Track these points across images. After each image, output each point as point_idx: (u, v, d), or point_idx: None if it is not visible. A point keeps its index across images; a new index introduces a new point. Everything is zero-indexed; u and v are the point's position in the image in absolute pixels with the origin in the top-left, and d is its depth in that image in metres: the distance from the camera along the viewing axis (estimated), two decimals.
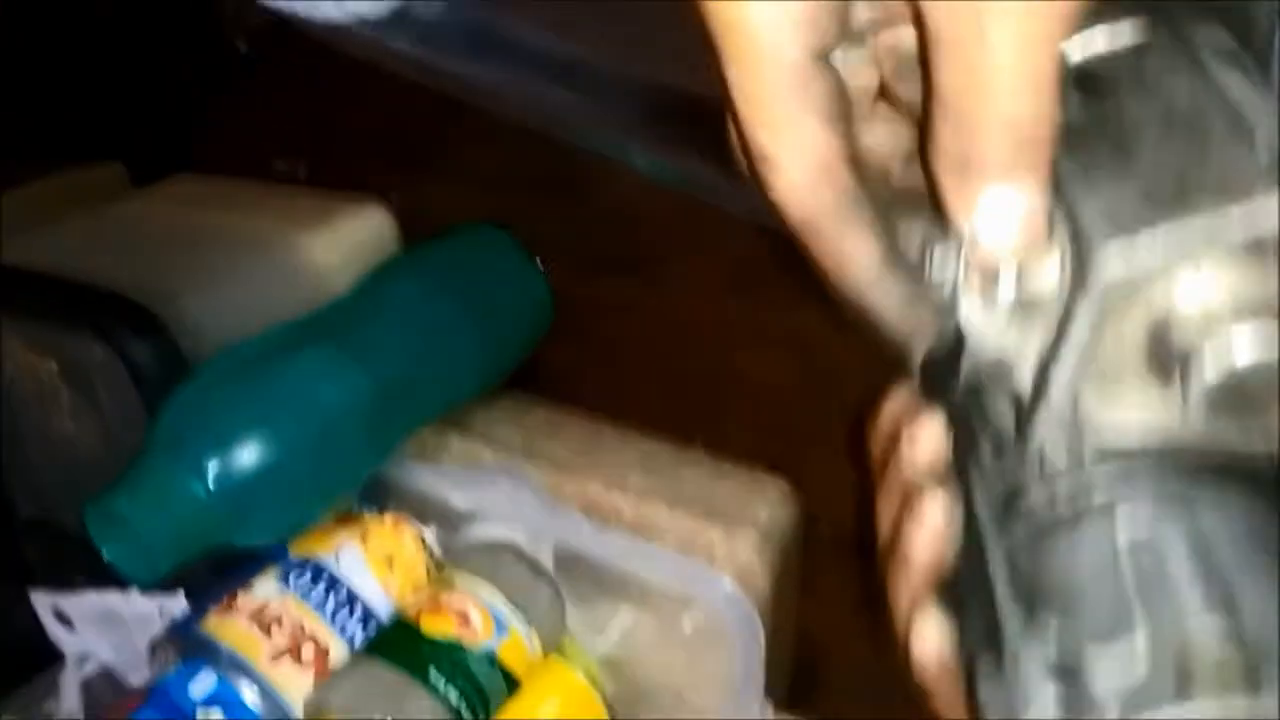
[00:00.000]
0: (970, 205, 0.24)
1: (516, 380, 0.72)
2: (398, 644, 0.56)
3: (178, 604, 0.63)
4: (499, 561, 0.60)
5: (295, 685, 0.56)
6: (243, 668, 0.55)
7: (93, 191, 0.76)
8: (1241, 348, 0.22)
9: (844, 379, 0.63)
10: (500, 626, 0.57)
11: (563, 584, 0.62)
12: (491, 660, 0.56)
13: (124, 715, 0.54)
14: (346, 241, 0.68)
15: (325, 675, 0.57)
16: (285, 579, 0.59)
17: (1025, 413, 0.25)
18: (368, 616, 0.59)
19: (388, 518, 0.62)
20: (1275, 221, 0.22)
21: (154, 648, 0.59)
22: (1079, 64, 0.26)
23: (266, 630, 0.57)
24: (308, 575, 0.59)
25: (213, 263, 0.66)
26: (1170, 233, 0.22)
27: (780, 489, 0.67)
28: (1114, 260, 0.22)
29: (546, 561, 0.62)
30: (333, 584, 0.59)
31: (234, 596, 0.58)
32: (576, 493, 0.64)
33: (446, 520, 0.64)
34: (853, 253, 0.26)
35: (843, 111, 0.25)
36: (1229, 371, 0.22)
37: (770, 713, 0.62)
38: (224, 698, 0.55)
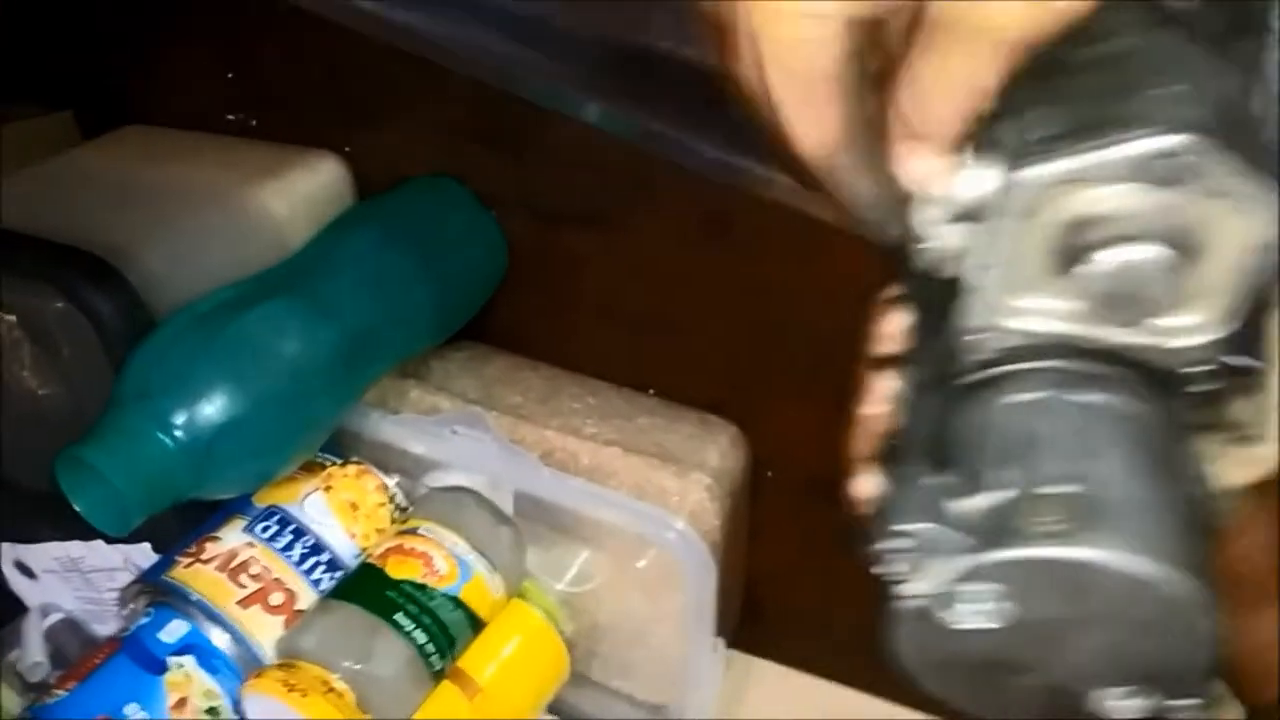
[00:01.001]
0: (904, 161, 0.29)
1: (473, 330, 0.73)
2: (365, 588, 0.58)
3: (144, 554, 0.65)
4: (461, 507, 0.61)
5: (265, 630, 0.58)
6: (213, 615, 0.57)
7: (42, 142, 0.75)
8: (1129, 258, 0.27)
9: (795, 331, 0.65)
10: (464, 570, 0.59)
11: (523, 528, 0.64)
12: (456, 602, 0.58)
13: (96, 664, 0.56)
14: (302, 193, 0.69)
15: (294, 620, 0.58)
16: (252, 527, 0.60)
17: (958, 300, 0.29)
18: (334, 563, 0.61)
19: (351, 466, 0.64)
20: (1172, 153, 0.26)
21: (123, 597, 0.60)
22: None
23: (235, 578, 0.58)
24: (274, 523, 0.61)
25: (168, 216, 0.66)
26: (1082, 156, 0.26)
27: (731, 435, 0.69)
28: (1033, 176, 0.27)
29: (507, 507, 0.64)
30: (299, 532, 0.61)
31: (202, 545, 0.60)
32: (535, 440, 0.66)
33: (408, 468, 0.65)
34: (863, 191, 0.30)
35: (862, 73, 0.29)
36: (1118, 274, 0.27)
37: (721, 649, 0.64)
38: (196, 644, 0.56)
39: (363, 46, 0.61)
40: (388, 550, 0.59)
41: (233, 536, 0.60)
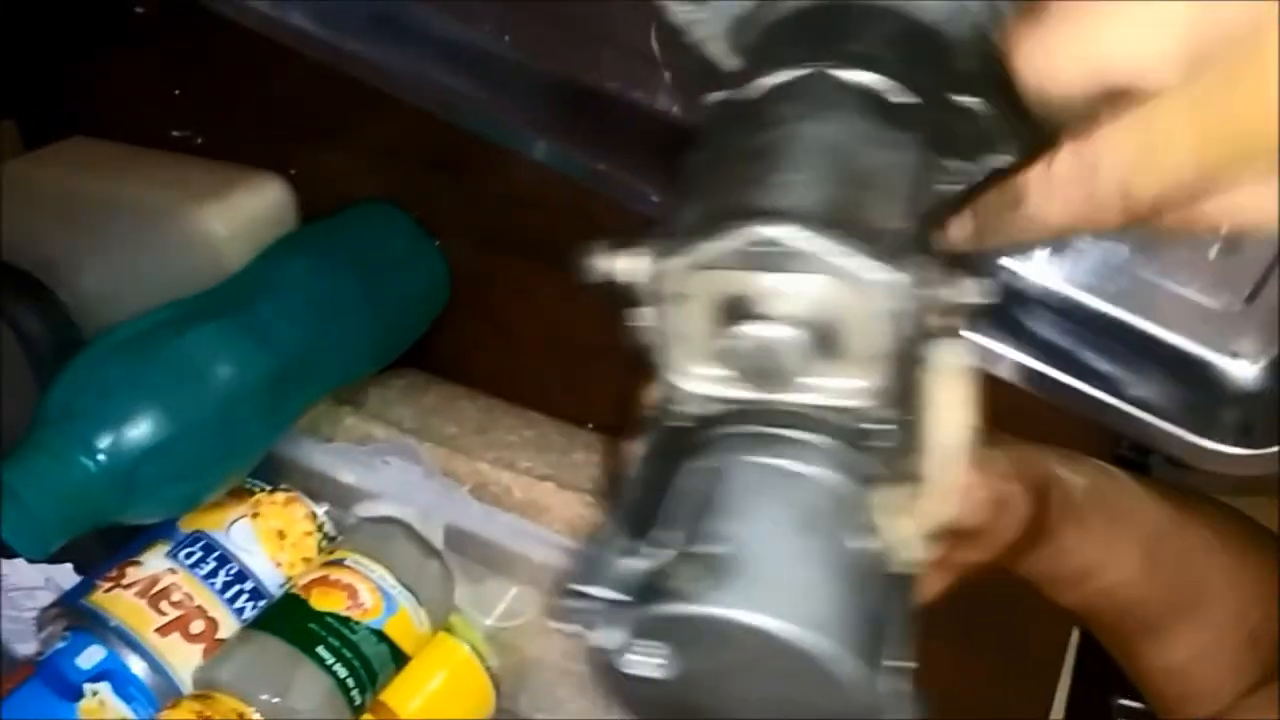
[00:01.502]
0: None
1: (413, 358, 0.72)
2: (287, 619, 0.57)
3: (67, 574, 0.64)
4: (390, 539, 0.61)
5: (184, 659, 0.57)
6: (131, 641, 0.56)
7: None
8: (763, 335, 0.30)
9: None
10: (390, 603, 0.59)
11: (453, 562, 0.63)
12: (380, 636, 0.58)
13: (10, 689, 0.55)
14: (243, 214, 0.68)
15: (215, 649, 0.58)
16: (175, 553, 0.60)
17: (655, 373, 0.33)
18: (258, 591, 0.60)
19: (280, 494, 0.63)
20: (772, 241, 0.29)
21: (42, 620, 0.59)
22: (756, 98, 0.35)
23: (156, 604, 0.57)
24: (198, 549, 0.60)
25: (105, 232, 0.66)
26: (706, 245, 0.30)
27: None
28: (673, 264, 0.30)
29: (437, 540, 0.63)
30: (223, 559, 0.60)
31: (123, 570, 0.59)
32: (468, 472, 0.65)
33: (339, 497, 0.65)
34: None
35: None
36: (754, 350, 0.30)
37: None
38: (112, 671, 0.55)
39: (312, 68, 0.61)
40: (312, 581, 0.59)
41: (155, 562, 0.59)
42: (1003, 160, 0.38)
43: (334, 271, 0.64)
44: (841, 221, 0.29)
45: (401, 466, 0.62)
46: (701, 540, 0.29)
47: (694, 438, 0.32)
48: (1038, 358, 0.49)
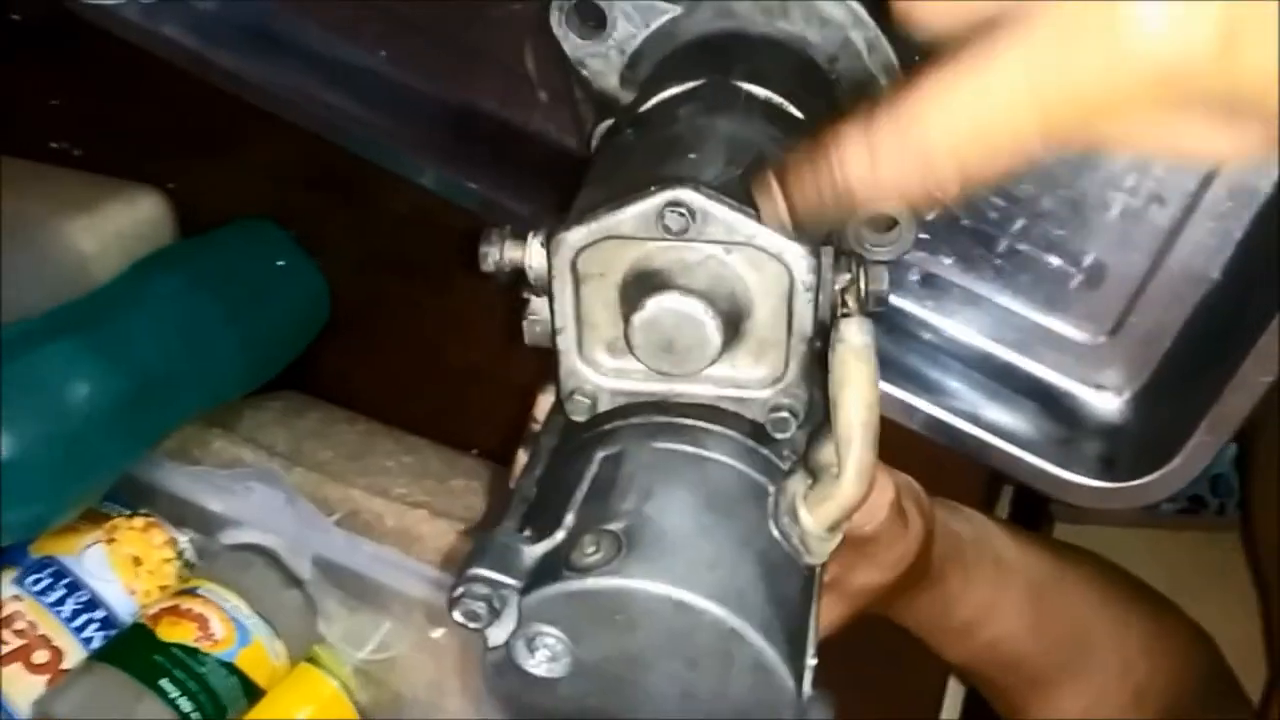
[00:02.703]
0: None
1: (294, 379, 0.70)
2: (132, 650, 0.55)
3: None
4: (247, 568, 0.59)
5: (25, 691, 0.55)
6: None
7: None
8: (666, 305, 0.29)
9: None
10: (243, 634, 0.56)
11: (325, 594, 0.61)
12: (231, 669, 0.55)
13: None
14: (115, 229, 0.66)
15: (58, 680, 0.55)
16: (23, 579, 0.57)
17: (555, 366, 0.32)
18: (109, 620, 0.58)
19: (138, 519, 0.61)
20: (674, 203, 0.28)
21: None
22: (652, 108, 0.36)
23: None
24: (47, 576, 0.58)
25: None
26: (608, 216, 0.29)
27: None
28: (571, 237, 0.30)
29: (305, 570, 0.61)
30: (74, 586, 0.58)
31: None
32: (340, 498, 0.63)
33: (204, 524, 0.62)
34: None
35: None
36: (657, 322, 0.29)
37: None
38: None
39: (196, 81, 0.59)
40: (161, 611, 0.56)
41: (1, 589, 0.57)
42: None
43: (205, 289, 0.62)
44: (744, 196, 0.29)
45: (265, 492, 0.60)
46: (600, 522, 0.28)
47: (598, 431, 0.31)
48: (904, 388, 0.49)
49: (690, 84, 0.37)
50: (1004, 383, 0.49)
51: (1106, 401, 0.48)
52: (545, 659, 0.27)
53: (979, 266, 0.49)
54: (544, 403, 0.35)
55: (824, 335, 0.30)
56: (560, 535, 0.28)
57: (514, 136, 0.58)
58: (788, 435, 0.31)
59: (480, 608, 0.27)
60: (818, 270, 0.29)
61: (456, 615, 0.28)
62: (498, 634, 0.28)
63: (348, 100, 0.59)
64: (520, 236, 0.31)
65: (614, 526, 0.27)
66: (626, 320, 0.29)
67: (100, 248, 0.65)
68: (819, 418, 0.31)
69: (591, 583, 0.26)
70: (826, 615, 0.42)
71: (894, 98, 0.26)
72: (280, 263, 0.66)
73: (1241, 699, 0.58)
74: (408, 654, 0.62)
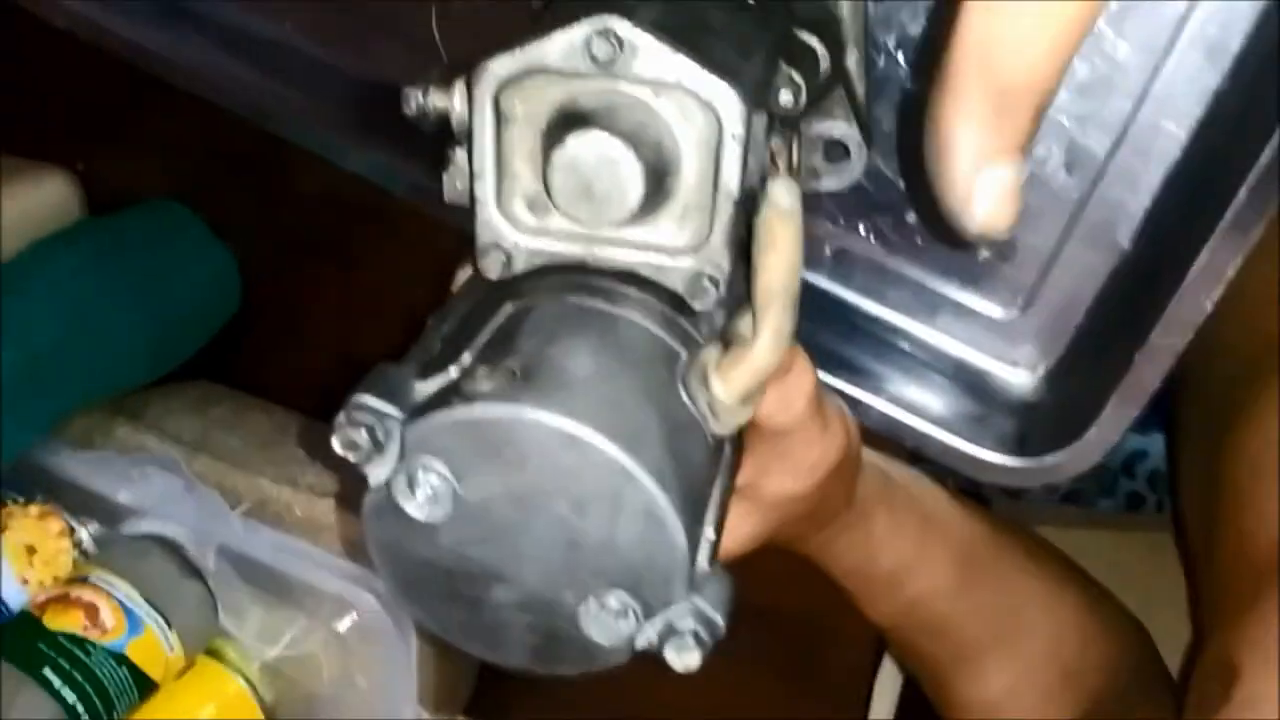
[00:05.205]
0: None
1: (207, 368, 0.69)
2: (15, 640, 0.52)
3: None
4: (144, 556, 0.56)
5: None
6: None
7: None
8: (590, 144, 0.27)
9: None
10: (133, 624, 0.54)
11: (233, 587, 0.59)
12: (120, 659, 0.53)
13: None
14: (18, 211, 0.64)
15: None
16: None
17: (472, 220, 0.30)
18: None
19: (34, 506, 0.59)
20: (604, 31, 0.27)
21: None
22: None
23: None
24: None
25: None
26: (532, 46, 0.28)
27: None
28: (491, 69, 0.28)
29: (209, 560, 0.59)
30: None
31: None
32: (247, 488, 0.61)
33: (106, 514, 0.60)
34: None
35: None
36: (577, 163, 0.27)
37: (425, 714, 0.60)
38: None
39: (105, 58, 0.57)
40: (49, 599, 0.54)
41: None
42: (833, 128, 0.37)
43: (105, 269, 0.60)
44: (682, 36, 0.28)
45: (164, 480, 0.58)
46: (502, 359, 0.26)
47: (513, 288, 0.30)
48: (817, 364, 0.47)
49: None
50: (917, 359, 0.48)
51: (1020, 378, 0.47)
52: (427, 499, 0.26)
53: (890, 242, 0.47)
54: (461, 276, 0.34)
55: (751, 204, 0.29)
56: (454, 371, 0.27)
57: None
58: (707, 306, 0.30)
59: (361, 436, 0.26)
60: (748, 120, 0.28)
61: (335, 443, 0.26)
62: (379, 472, 0.26)
63: (254, 73, 0.57)
64: (447, 82, 0.29)
65: (511, 363, 0.26)
66: (546, 158, 0.28)
67: (5, 229, 0.63)
68: (741, 298, 0.30)
69: (480, 410, 0.25)
70: (742, 525, 0.40)
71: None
72: (189, 246, 0.64)
73: (1170, 691, 0.57)
74: (313, 649, 0.60)
